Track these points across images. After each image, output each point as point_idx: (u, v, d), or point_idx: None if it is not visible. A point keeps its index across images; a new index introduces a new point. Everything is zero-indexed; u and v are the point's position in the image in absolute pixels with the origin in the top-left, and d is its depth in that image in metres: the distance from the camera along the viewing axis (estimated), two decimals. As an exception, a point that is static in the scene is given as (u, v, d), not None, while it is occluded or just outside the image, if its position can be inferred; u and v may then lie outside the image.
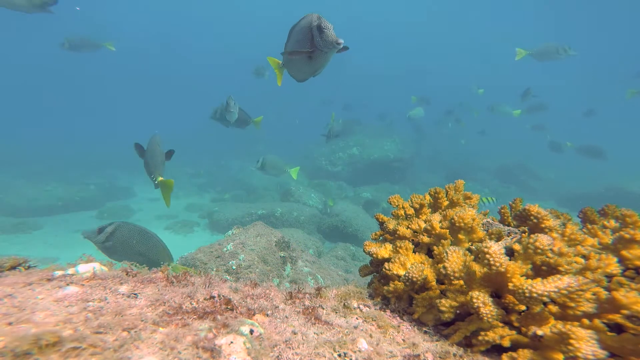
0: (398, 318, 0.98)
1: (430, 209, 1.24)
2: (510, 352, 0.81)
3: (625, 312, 0.75)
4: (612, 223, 1.02)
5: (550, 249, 0.82)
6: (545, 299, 0.76)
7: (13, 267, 1.02)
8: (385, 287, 1.04)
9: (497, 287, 0.87)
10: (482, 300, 0.81)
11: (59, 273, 0.91)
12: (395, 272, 1.02)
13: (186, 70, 31.94)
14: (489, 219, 1.18)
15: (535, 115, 7.53)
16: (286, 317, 0.83)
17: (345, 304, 0.98)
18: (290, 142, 13.24)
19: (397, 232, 1.15)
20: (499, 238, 1.03)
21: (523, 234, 1.01)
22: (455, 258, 0.91)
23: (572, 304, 0.78)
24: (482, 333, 0.84)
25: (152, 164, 2.50)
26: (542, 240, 0.81)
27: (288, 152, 11.38)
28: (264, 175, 4.87)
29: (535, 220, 0.96)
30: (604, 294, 0.79)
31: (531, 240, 0.82)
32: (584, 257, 0.87)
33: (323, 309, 0.92)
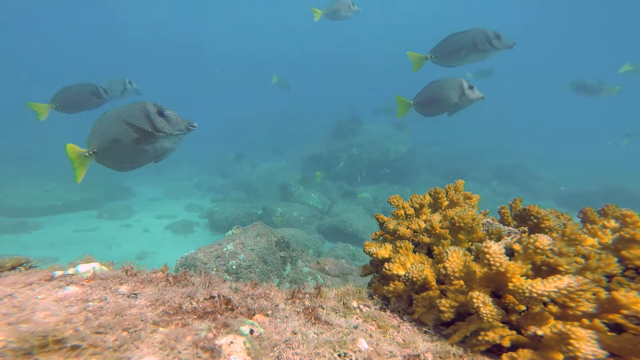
0: (398, 318, 0.98)
1: (430, 209, 1.24)
2: (510, 352, 0.81)
3: (625, 312, 0.75)
4: (612, 223, 1.02)
5: (551, 249, 0.82)
6: (545, 299, 0.76)
7: (13, 267, 1.02)
8: (385, 287, 1.04)
9: (497, 287, 0.87)
10: (482, 300, 0.81)
11: (59, 273, 0.91)
12: (395, 272, 1.02)
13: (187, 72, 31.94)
14: (489, 219, 1.18)
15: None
16: (286, 317, 0.83)
17: (345, 304, 0.98)
18: (287, 140, 13.25)
19: (397, 232, 1.15)
20: (499, 238, 1.03)
21: (523, 234, 1.01)
22: (455, 258, 0.91)
23: (572, 304, 0.78)
24: (482, 333, 0.84)
25: None
26: (542, 240, 0.81)
27: (287, 151, 11.38)
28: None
29: (535, 220, 0.96)
30: (604, 294, 0.79)
31: (531, 240, 0.82)
32: (584, 257, 0.87)
33: (323, 309, 0.92)
